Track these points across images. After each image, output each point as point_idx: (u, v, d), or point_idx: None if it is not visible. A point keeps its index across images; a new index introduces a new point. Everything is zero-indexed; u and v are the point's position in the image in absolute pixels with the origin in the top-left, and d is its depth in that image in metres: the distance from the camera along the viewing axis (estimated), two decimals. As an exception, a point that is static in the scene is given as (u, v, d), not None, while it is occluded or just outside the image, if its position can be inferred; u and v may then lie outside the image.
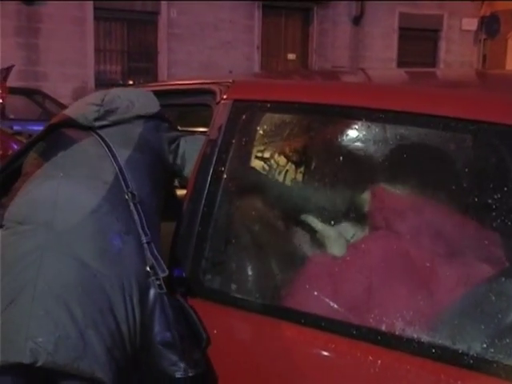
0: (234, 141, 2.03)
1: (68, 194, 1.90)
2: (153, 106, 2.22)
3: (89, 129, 2.08)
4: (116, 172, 1.93)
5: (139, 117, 2.14)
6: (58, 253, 1.78)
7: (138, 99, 2.20)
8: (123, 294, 1.78)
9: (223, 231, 2.03)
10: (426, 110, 1.72)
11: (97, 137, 2.03)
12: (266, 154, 2.15)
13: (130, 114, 2.13)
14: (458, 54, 17.27)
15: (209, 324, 1.85)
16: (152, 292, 1.81)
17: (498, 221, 1.57)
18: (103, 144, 2.00)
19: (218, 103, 2.13)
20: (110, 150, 1.97)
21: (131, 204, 1.89)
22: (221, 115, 2.09)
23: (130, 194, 1.90)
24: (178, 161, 2.18)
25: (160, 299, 1.80)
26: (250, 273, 1.97)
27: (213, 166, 2.02)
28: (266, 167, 2.14)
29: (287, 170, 2.13)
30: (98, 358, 1.72)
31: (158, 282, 1.81)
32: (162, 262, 1.85)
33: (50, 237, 1.80)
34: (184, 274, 1.93)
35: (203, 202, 2.00)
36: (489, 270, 1.62)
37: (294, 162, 2.12)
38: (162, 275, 1.83)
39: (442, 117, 1.67)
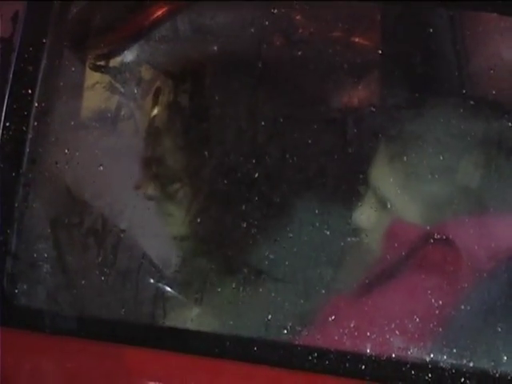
0: (46, 39, 1.33)
1: None
2: None
3: None
4: None
5: None
6: None
7: None
8: None
9: (44, 201, 1.33)
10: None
11: None
12: (114, 60, 1.40)
13: None
14: None
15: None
16: None
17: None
18: None
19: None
20: None
21: None
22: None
23: None
24: None
25: None
26: (102, 274, 1.32)
27: (9, 85, 1.32)
28: (117, 85, 1.39)
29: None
30: None
31: None
32: None
33: None
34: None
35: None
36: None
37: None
38: None
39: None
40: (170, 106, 1.34)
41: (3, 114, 1.29)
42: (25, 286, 1.31)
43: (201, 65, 1.39)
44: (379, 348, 1.09)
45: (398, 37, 1.36)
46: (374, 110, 1.22)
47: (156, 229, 1.35)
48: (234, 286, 1.22)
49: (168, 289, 1.27)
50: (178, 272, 1.30)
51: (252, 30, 1.33)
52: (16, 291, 1.30)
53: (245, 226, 1.24)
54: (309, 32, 1.37)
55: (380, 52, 1.39)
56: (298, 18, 1.36)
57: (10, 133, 1.28)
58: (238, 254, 1.24)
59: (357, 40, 1.48)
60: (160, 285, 1.28)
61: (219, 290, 1.23)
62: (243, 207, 1.26)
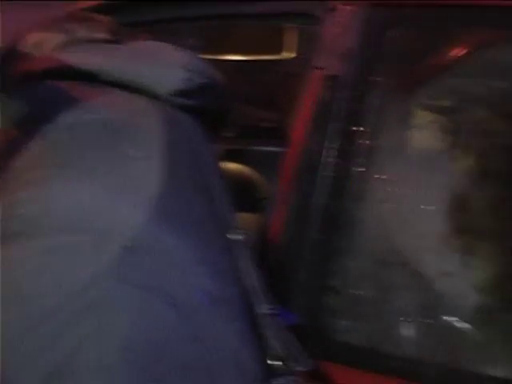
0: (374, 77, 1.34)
1: None
2: None
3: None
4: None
5: None
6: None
7: None
8: None
9: (367, 239, 1.31)
10: None
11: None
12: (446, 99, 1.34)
13: None
14: None
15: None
16: None
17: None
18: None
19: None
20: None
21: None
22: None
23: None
24: None
25: None
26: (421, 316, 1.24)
27: (345, 122, 1.35)
28: (449, 125, 1.33)
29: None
30: None
31: None
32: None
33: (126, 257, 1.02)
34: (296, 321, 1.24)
35: (323, 186, 1.32)
36: None
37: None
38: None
39: None
40: (501, 150, 1.26)
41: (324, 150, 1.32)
42: (344, 322, 1.30)
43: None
44: None
45: None
46: None
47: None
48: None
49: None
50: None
51: None
52: (336, 326, 1.30)
53: None
54: None
55: None
56: None
57: (336, 170, 1.31)
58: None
59: None
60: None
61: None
62: None
